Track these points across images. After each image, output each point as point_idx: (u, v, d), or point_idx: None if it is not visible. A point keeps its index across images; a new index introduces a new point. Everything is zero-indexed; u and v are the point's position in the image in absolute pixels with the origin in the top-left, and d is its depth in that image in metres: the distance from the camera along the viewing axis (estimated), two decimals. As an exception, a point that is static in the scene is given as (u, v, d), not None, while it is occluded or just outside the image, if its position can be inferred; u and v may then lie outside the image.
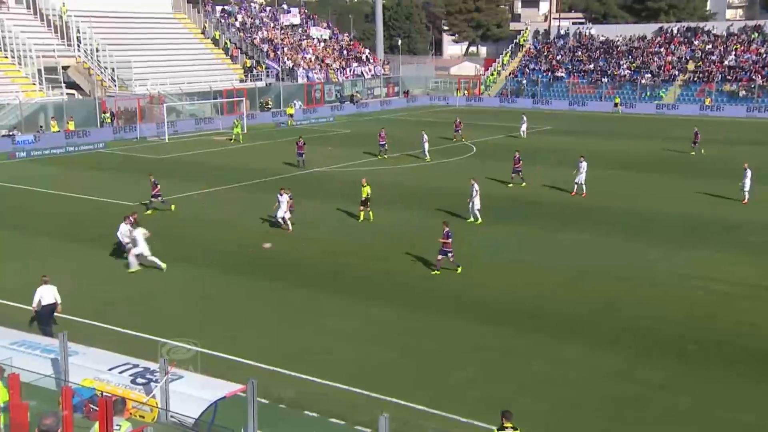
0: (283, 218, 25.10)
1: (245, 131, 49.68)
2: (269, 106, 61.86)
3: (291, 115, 58.17)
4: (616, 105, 67.36)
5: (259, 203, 29.91)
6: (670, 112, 65.53)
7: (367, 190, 26.10)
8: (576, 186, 30.82)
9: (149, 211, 27.62)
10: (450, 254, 20.68)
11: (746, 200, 29.13)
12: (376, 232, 25.53)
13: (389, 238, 24.88)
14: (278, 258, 22.38)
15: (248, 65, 66.97)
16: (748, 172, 29.16)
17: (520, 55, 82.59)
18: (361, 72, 75.52)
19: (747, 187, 29.09)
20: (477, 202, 25.96)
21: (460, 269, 20.91)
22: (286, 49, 71.85)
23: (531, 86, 75.45)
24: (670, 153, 43.24)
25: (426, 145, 39.54)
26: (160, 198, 28.07)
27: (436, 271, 20.82)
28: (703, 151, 42.43)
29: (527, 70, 77.83)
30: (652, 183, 34.26)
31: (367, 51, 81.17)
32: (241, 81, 64.03)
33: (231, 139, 47.81)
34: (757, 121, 60.93)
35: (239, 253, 22.75)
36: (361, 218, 26.02)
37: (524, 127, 48.01)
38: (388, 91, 77.59)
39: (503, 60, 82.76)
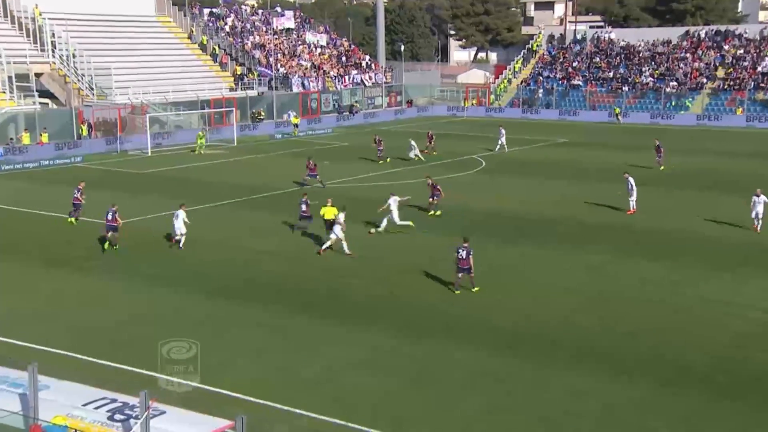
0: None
1: (208, 143, 50.69)
2: (261, 117, 62.52)
3: (296, 125, 58.96)
4: (616, 115, 67.83)
5: (250, 221, 30.30)
6: (712, 123, 65.13)
7: (333, 212, 25.93)
8: (631, 203, 31.22)
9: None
10: (470, 272, 21.06)
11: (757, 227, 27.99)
12: (380, 251, 25.78)
13: (394, 257, 25.11)
14: (273, 279, 22.65)
15: (239, 73, 67.64)
16: (762, 198, 27.93)
17: (533, 61, 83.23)
18: (361, 80, 76.18)
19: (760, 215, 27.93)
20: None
21: (477, 289, 21.25)
22: (279, 55, 72.55)
23: (545, 96, 75.95)
24: (704, 167, 43.36)
25: (415, 151, 43.64)
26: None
27: (456, 291, 21.17)
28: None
29: (541, 77, 78.43)
30: (683, 200, 34.39)
31: (367, 57, 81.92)
32: (231, 90, 64.86)
33: (194, 151, 48.86)
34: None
35: (230, 275, 22.90)
36: (329, 243, 25.43)
37: (503, 139, 47.79)
38: (389, 100, 78.31)
39: (515, 67, 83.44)
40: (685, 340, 18.12)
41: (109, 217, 26.08)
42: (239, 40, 72.84)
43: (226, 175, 41.08)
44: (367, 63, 79.92)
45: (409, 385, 15.72)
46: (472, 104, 78.67)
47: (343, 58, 79.01)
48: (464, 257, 21.08)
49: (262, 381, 15.80)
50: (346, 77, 74.91)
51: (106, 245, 25.91)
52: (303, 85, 69.90)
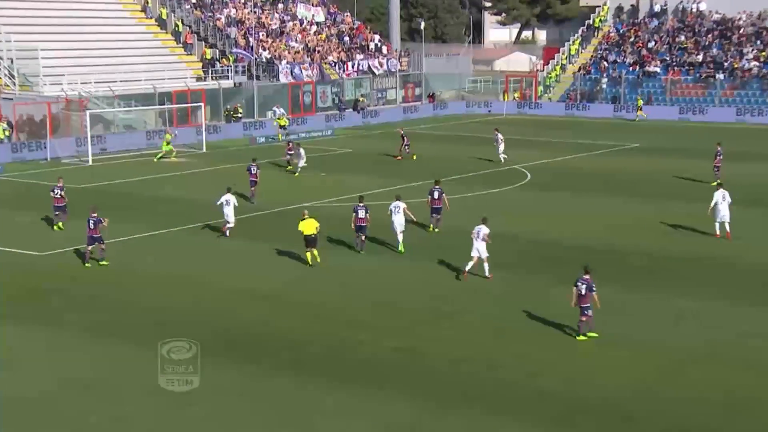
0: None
1: (173, 150, 51.34)
2: (239, 115, 62.63)
3: (284, 127, 59.37)
4: (638, 108, 68.88)
5: (222, 251, 30.48)
6: None
7: (313, 225, 27.70)
8: (718, 225, 31.52)
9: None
10: (587, 313, 21.67)
11: None
12: (390, 291, 26.01)
13: (408, 298, 25.19)
14: (252, 329, 22.72)
15: (209, 57, 67.91)
16: None
17: (596, 41, 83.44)
18: (369, 67, 76.30)
19: None
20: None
21: (593, 334, 21.70)
22: (262, 34, 72.71)
23: (611, 86, 75.95)
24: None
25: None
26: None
27: (593, 334, 21.76)
28: None
29: (605, 63, 78.50)
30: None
31: (377, 38, 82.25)
32: (199, 79, 65.08)
33: (160, 157, 50.06)
34: None
35: (196, 323, 22.91)
36: (311, 261, 27.90)
37: (501, 147, 48.15)
38: (406, 94, 78.42)
39: (571, 49, 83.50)
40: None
41: (91, 225, 27.48)
42: (209, 14, 73.25)
43: (191, 191, 41.33)
44: (376, 45, 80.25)
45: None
46: (514, 98, 78.87)
47: (346, 39, 79.28)
48: (584, 293, 21.56)
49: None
50: (350, 63, 75.11)
51: (87, 264, 27.68)
52: (293, 73, 70.08)
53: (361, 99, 72.29)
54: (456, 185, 38.52)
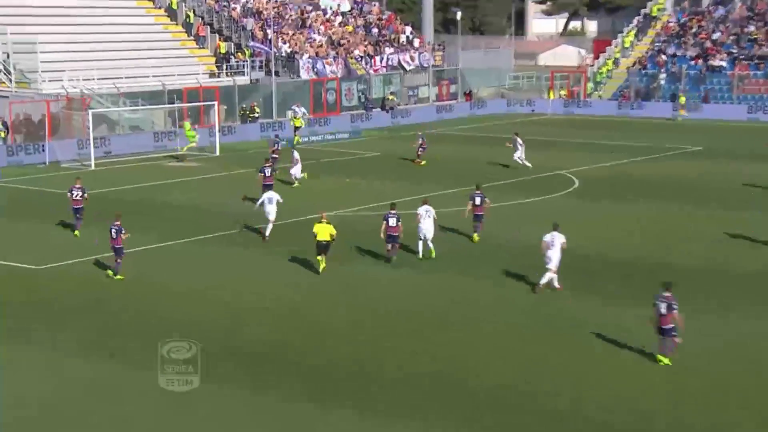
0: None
1: (196, 142, 51.85)
2: (255, 115, 62.56)
3: (298, 128, 58.91)
4: (681, 107, 69.21)
5: (235, 264, 30.58)
6: None
7: (328, 231, 28.56)
8: None
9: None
10: (671, 335, 21.45)
11: None
12: (419, 306, 25.95)
13: (440, 314, 25.08)
14: (266, 349, 22.65)
15: (223, 51, 67.95)
16: None
17: (653, 32, 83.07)
18: (399, 62, 76.13)
19: None
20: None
21: (665, 360, 21.53)
22: (282, 26, 72.64)
23: (670, 83, 75.47)
24: None
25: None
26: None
27: (665, 360, 21.53)
28: None
29: (663, 57, 78.03)
30: None
31: (408, 29, 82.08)
32: (212, 76, 65.18)
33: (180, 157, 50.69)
34: None
35: (203, 341, 22.71)
36: (321, 269, 28.79)
37: (520, 152, 47.77)
38: (440, 91, 78.03)
39: (624, 41, 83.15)
40: None
41: (113, 234, 28.14)
42: (223, 3, 73.36)
43: (202, 198, 41.44)
44: (408, 37, 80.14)
45: None
46: (560, 96, 78.59)
47: (374, 31, 79.18)
48: (664, 312, 21.42)
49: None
50: (378, 58, 74.97)
51: (119, 276, 28.45)
52: (315, 69, 70.06)
53: (390, 97, 72.02)
54: (494, 192, 37.97)
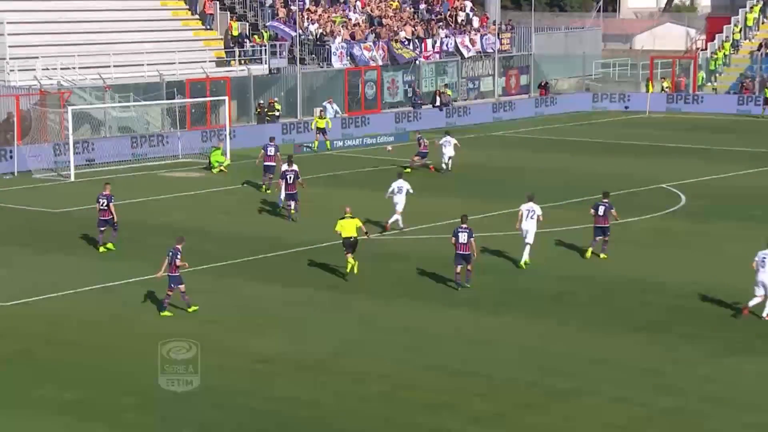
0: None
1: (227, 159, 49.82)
2: (276, 113, 59.16)
3: (322, 131, 54.87)
4: (765, 101, 66.28)
5: (251, 301, 29.15)
6: None
7: (354, 225, 29.00)
8: None
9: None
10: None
11: None
12: (489, 355, 24.43)
13: (514, 368, 23.48)
14: (294, 412, 20.83)
15: (235, 33, 63.84)
16: None
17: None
18: (456, 47, 71.89)
19: None
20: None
21: None
22: (309, 2, 68.45)
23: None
24: None
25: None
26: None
27: None
28: None
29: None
30: None
31: (468, 6, 78.20)
32: (222, 64, 61.95)
33: (213, 168, 48.57)
34: None
35: (219, 406, 21.05)
36: (348, 269, 29.38)
37: (447, 152, 46.71)
38: (507, 83, 74.61)
39: (748, 18, 77.26)
40: None
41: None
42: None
43: (210, 218, 39.53)
44: (467, 16, 75.95)
45: None
46: (662, 89, 72.76)
47: (423, 8, 74.52)
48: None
49: None
50: (429, 42, 70.68)
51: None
52: (351, 55, 65.66)
53: (445, 90, 67.83)
54: (575, 212, 36.16)
